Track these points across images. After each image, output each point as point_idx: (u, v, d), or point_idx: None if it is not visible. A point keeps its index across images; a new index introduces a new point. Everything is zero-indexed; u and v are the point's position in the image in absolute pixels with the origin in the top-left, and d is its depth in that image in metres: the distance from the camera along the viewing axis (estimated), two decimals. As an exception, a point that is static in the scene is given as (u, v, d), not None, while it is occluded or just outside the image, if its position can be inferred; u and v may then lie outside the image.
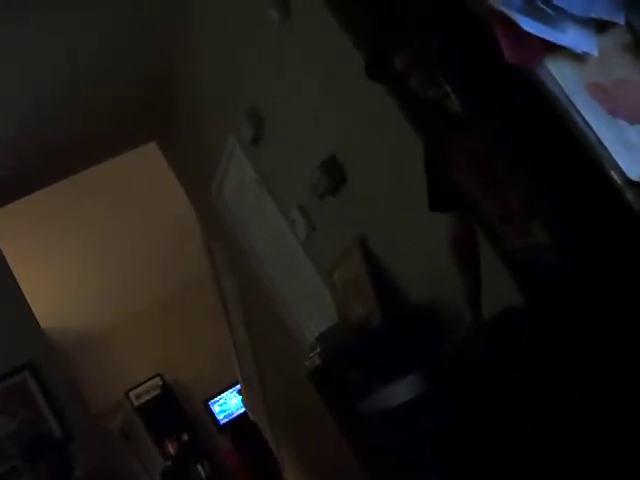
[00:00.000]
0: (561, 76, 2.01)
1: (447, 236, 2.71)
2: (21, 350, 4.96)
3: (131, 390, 9.41)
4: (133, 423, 9.39)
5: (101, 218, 6.94)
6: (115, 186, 6.45)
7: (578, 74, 2.03)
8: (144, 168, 6.25)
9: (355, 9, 3.01)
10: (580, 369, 2.28)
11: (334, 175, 3.70)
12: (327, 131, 3.69)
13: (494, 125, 2.26)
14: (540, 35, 1.99)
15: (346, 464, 3.82)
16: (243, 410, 8.46)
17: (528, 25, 1.97)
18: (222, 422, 9.65)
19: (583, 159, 2.00)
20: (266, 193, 4.71)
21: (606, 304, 2.11)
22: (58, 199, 6.00)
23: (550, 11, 2.02)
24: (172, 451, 9.27)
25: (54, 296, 7.36)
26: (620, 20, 2.14)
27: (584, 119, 1.98)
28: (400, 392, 2.87)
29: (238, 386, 8.14)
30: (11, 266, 5.24)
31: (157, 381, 9.50)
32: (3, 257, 5.24)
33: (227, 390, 9.57)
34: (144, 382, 9.45)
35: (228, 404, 9.68)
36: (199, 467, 9.24)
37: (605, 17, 2.12)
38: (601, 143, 1.97)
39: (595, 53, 2.08)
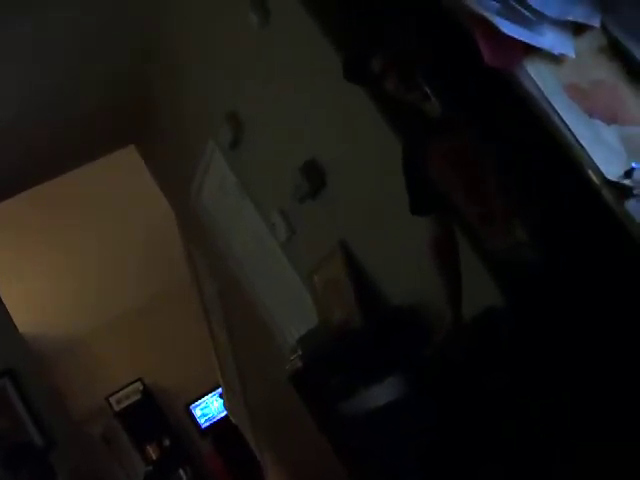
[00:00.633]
0: (539, 77, 2.03)
1: (427, 239, 2.71)
2: (0, 357, 4.91)
3: (111, 395, 9.35)
4: (114, 428, 9.33)
5: (80, 221, 6.90)
6: (93, 190, 6.41)
7: (556, 75, 2.05)
8: (123, 172, 6.22)
9: (333, 11, 3.02)
10: (562, 368, 2.30)
11: (314, 178, 3.70)
12: (307, 134, 3.69)
13: (473, 126, 2.28)
14: (518, 38, 2.00)
15: (328, 467, 3.81)
16: (225, 414, 8.45)
17: (507, 28, 1.98)
18: (204, 426, 9.62)
19: (562, 159, 2.01)
20: (246, 197, 4.70)
21: (587, 303, 2.13)
22: (33, 204, 5.95)
23: (528, 14, 2.03)
24: (154, 456, 9.22)
25: (31, 302, 7.30)
26: (596, 23, 2.16)
27: (562, 120, 1.99)
28: (381, 394, 2.88)
29: (219, 390, 8.12)
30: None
31: (138, 386, 9.45)
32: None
33: (208, 394, 9.54)
34: (125, 387, 9.40)
35: (209, 408, 9.65)
36: (181, 472, 9.20)
37: (581, 20, 2.14)
38: (579, 143, 1.98)
39: (572, 55, 2.10)
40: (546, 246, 2.21)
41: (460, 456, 2.66)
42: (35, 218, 6.33)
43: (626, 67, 2.17)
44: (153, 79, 5.18)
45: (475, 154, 2.33)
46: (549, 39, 2.06)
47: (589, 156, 1.98)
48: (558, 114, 2.00)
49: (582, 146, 1.99)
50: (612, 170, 1.97)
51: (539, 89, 2.01)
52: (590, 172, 1.98)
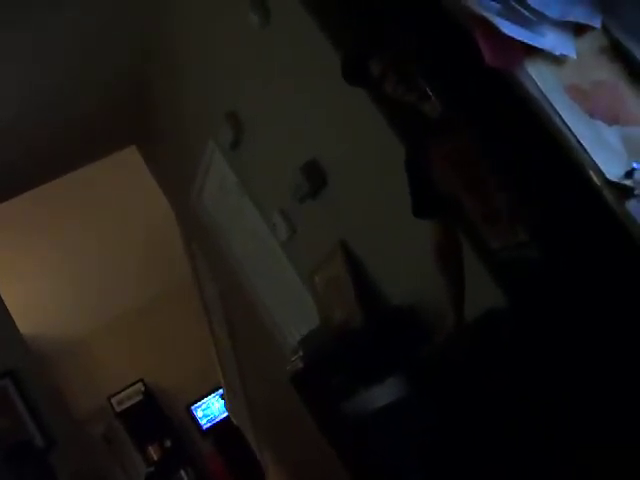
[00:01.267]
0: (540, 78, 2.03)
1: (430, 242, 2.71)
2: (1, 358, 4.92)
3: (113, 396, 9.36)
4: (115, 429, 9.34)
5: (81, 222, 6.90)
6: (93, 191, 6.41)
7: (557, 76, 2.05)
8: (123, 172, 6.22)
9: (333, 10, 3.02)
10: (564, 369, 2.29)
11: (315, 178, 3.70)
12: (307, 134, 3.69)
13: (474, 127, 2.27)
14: (519, 38, 2.00)
15: (329, 467, 3.81)
16: (226, 414, 8.45)
17: (508, 29, 1.98)
18: (205, 427, 9.62)
19: (563, 160, 2.01)
20: (246, 197, 4.70)
21: (588, 303, 2.13)
22: (34, 204, 5.95)
23: (529, 15, 2.03)
24: (155, 457, 9.23)
25: (32, 303, 7.30)
26: (596, 24, 2.16)
27: (563, 120, 1.99)
28: (382, 395, 2.87)
29: (220, 390, 8.13)
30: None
31: (139, 387, 9.46)
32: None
33: (209, 395, 9.55)
34: (126, 388, 9.40)
35: (211, 409, 9.65)
36: (182, 472, 9.20)
37: (582, 21, 2.14)
38: (580, 144, 1.98)
39: (573, 55, 2.10)
40: (547, 246, 2.21)
41: (461, 456, 2.66)
42: (36, 219, 6.33)
43: (627, 68, 2.17)
44: (153, 79, 5.17)
45: (476, 154, 2.33)
46: (550, 40, 2.06)
47: (590, 157, 1.97)
48: (559, 115, 2.00)
49: (583, 147, 1.99)
50: (613, 171, 1.97)
51: (540, 90, 2.01)
52: (591, 172, 1.98)
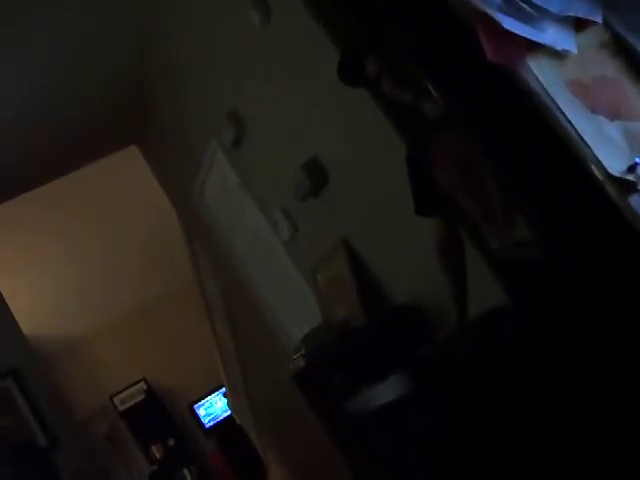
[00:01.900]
0: (542, 74, 2.02)
1: (433, 240, 2.71)
2: (4, 357, 4.93)
3: (115, 395, 9.36)
4: (118, 428, 9.35)
5: (83, 222, 6.91)
6: (95, 191, 6.41)
7: (558, 72, 2.05)
8: (125, 172, 6.22)
9: (334, 8, 3.01)
10: (566, 367, 2.29)
11: (316, 176, 3.69)
12: (309, 132, 3.69)
13: (475, 124, 2.27)
14: (521, 34, 2.00)
15: (332, 466, 3.81)
16: (229, 413, 8.44)
17: (509, 24, 1.98)
18: (208, 425, 9.62)
19: (565, 155, 2.01)
20: (248, 195, 4.70)
21: (590, 299, 2.12)
22: (35, 204, 5.95)
23: (530, 10, 2.03)
24: (158, 455, 9.23)
25: (35, 303, 7.31)
26: (598, 19, 2.16)
27: (565, 116, 1.99)
28: (385, 393, 2.87)
29: (223, 389, 8.13)
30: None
31: (142, 386, 9.46)
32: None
33: (212, 393, 9.55)
34: (128, 387, 9.40)
35: (213, 407, 9.65)
36: (185, 471, 9.21)
37: (583, 16, 2.14)
38: (582, 139, 1.98)
39: (574, 51, 2.10)
40: (550, 242, 2.20)
41: (464, 454, 2.65)
42: (37, 219, 6.33)
43: (628, 62, 2.17)
44: (153, 79, 5.17)
45: (476, 151, 2.33)
46: (551, 35, 2.06)
47: (592, 152, 1.97)
48: (561, 110, 2.00)
49: (585, 142, 1.98)
50: (615, 165, 1.97)
51: (542, 85, 2.01)
52: (593, 168, 1.98)
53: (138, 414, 9.28)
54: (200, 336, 7.44)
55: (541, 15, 2.04)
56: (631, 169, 1.96)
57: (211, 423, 9.61)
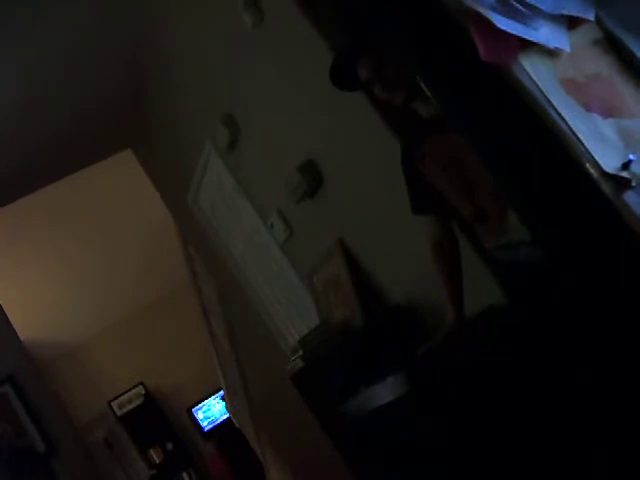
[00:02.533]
0: (535, 72, 2.02)
1: (429, 240, 2.72)
2: (1, 364, 4.91)
3: (113, 400, 9.35)
4: (117, 433, 9.33)
5: (79, 227, 6.90)
6: (91, 195, 6.41)
7: (552, 70, 2.05)
8: (120, 176, 6.22)
9: (326, 11, 3.02)
10: (562, 365, 2.30)
11: (312, 178, 3.70)
12: (304, 134, 3.69)
13: (467, 124, 2.27)
14: (514, 32, 2.00)
15: (331, 467, 3.81)
16: (227, 416, 8.44)
17: (502, 23, 1.98)
18: (206, 429, 9.61)
19: (559, 153, 2.01)
20: (243, 198, 4.70)
21: (587, 296, 2.12)
22: (31, 209, 5.94)
23: (522, 8, 2.03)
24: (157, 460, 9.22)
25: (31, 308, 7.30)
26: (590, 16, 2.16)
27: (559, 114, 1.99)
28: (383, 393, 2.87)
29: (221, 392, 8.12)
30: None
31: (139, 390, 9.45)
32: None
33: (210, 397, 9.54)
34: (126, 391, 9.39)
35: (212, 410, 9.65)
36: (184, 475, 9.21)
37: (576, 13, 2.14)
38: (576, 137, 1.98)
39: (567, 49, 2.10)
40: (545, 240, 2.21)
41: (462, 453, 2.66)
42: (33, 223, 6.32)
43: (621, 60, 2.17)
44: (148, 83, 5.17)
45: (468, 151, 2.33)
46: (544, 33, 2.06)
47: (587, 149, 1.97)
48: (555, 108, 2.00)
49: (579, 140, 1.98)
50: (610, 163, 1.97)
51: (535, 84, 2.01)
52: (588, 165, 1.98)
53: (136, 418, 9.27)
54: (197, 339, 7.44)
55: (534, 13, 2.04)
56: (625, 166, 1.97)
57: (210, 426, 9.60)
